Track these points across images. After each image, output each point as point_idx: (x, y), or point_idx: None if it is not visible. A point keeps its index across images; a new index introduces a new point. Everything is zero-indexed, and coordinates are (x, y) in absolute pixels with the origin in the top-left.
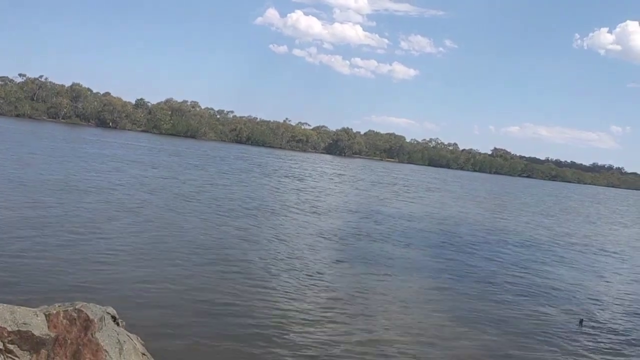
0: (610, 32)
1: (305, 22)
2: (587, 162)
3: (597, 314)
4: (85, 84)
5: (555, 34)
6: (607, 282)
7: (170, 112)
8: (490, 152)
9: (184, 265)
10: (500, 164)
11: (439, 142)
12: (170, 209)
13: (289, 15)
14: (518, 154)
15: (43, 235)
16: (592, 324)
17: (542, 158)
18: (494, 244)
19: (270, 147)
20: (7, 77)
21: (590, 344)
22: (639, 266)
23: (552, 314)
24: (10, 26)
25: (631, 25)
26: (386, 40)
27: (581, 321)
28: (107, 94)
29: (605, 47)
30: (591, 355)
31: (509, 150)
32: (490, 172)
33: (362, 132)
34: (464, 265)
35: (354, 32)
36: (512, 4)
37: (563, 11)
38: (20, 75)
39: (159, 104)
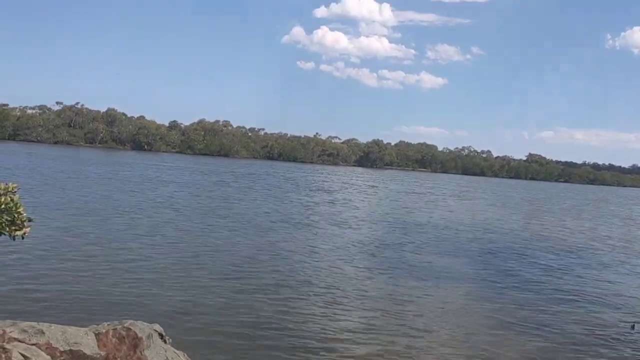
0: None
1: (331, 37)
2: (626, 164)
3: None
4: (119, 108)
5: (586, 35)
6: None
7: (203, 133)
8: (525, 158)
9: (226, 281)
10: (536, 169)
11: (472, 149)
12: (207, 227)
13: (314, 32)
14: (554, 159)
15: (87, 257)
16: None
17: (579, 162)
18: (535, 250)
19: (301, 162)
20: (45, 105)
21: None
22: None
23: (602, 319)
24: (45, 55)
25: None
26: (413, 51)
27: (633, 326)
28: (141, 117)
29: (638, 45)
30: None
31: (544, 156)
32: (526, 179)
33: (392, 144)
34: (505, 271)
35: (380, 45)
36: (538, 7)
37: (592, 11)
38: (57, 103)
39: (192, 125)
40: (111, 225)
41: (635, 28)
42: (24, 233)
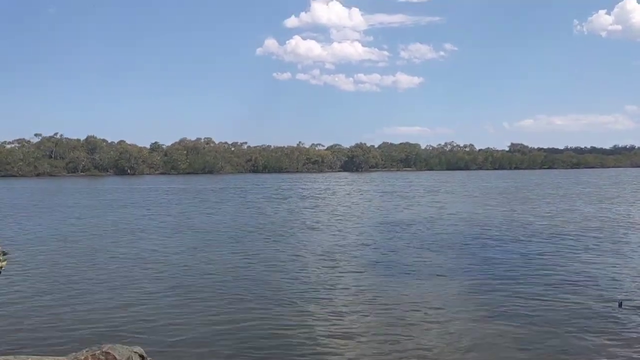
0: (608, 13)
1: (304, 46)
2: (607, 146)
3: (636, 292)
4: (99, 135)
5: (554, 23)
6: None
7: (185, 152)
8: (507, 149)
9: (214, 298)
10: (519, 158)
11: (455, 145)
12: (193, 246)
13: (287, 42)
14: (536, 147)
15: (68, 284)
16: (633, 303)
17: (562, 147)
18: (519, 237)
19: (287, 172)
20: (23, 138)
21: (633, 323)
22: None
23: (589, 301)
24: (20, 86)
25: (629, 3)
26: (386, 53)
27: (620, 303)
28: (121, 142)
29: (605, 28)
30: (636, 333)
31: (526, 144)
32: (510, 168)
33: (376, 146)
34: (488, 262)
35: (353, 49)
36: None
37: None
38: (35, 135)
39: (173, 145)
40: (90, 251)
41: (601, 12)
42: (0, 267)
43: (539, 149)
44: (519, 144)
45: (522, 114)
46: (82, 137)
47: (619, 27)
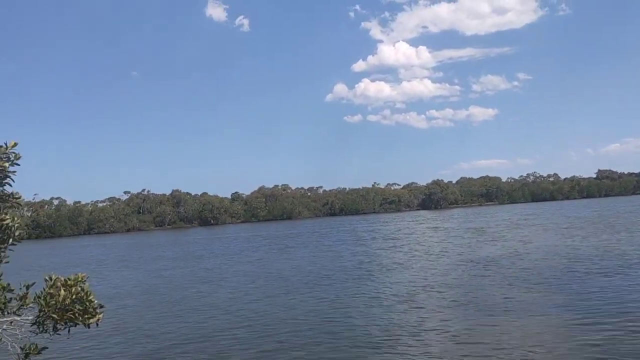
0: None
1: (373, 88)
2: None
3: None
4: (183, 189)
5: (631, 42)
6: None
7: (264, 199)
8: (595, 175)
9: (302, 345)
10: (608, 185)
11: (538, 175)
12: (272, 294)
13: (356, 85)
14: (626, 172)
15: (155, 335)
16: None
17: None
18: (613, 269)
19: (363, 213)
20: (114, 197)
21: None
22: None
23: None
24: (109, 149)
25: None
26: (457, 87)
27: None
28: (204, 194)
29: None
30: None
31: (614, 170)
32: (599, 196)
33: (454, 181)
34: (582, 296)
35: (423, 87)
36: (573, 24)
37: (632, 18)
38: (125, 192)
39: (252, 193)
40: (173, 303)
41: None
42: (97, 320)
43: (630, 174)
44: (607, 170)
45: (607, 139)
46: (168, 192)
47: None
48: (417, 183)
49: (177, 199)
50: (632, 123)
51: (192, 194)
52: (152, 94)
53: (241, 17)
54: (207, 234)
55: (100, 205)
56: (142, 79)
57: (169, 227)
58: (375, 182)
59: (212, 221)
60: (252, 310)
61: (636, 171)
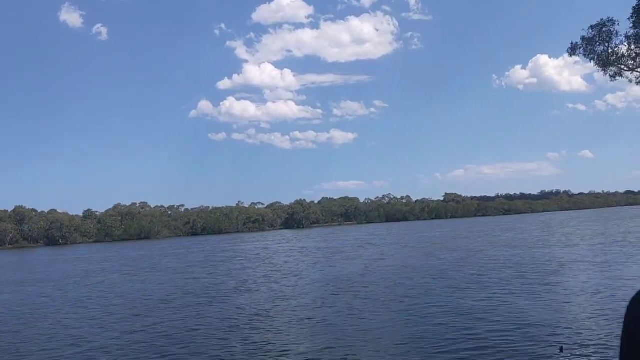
0: (524, 68)
1: (238, 106)
2: (535, 192)
3: (575, 337)
4: (28, 204)
5: (474, 78)
6: (579, 304)
7: (120, 218)
8: (442, 198)
9: None
10: (454, 208)
11: (392, 197)
12: (119, 318)
13: (221, 103)
14: (469, 195)
15: None
16: (573, 347)
17: (493, 195)
18: (455, 286)
19: (227, 233)
20: None
21: None
22: (601, 279)
23: (529, 347)
24: None
25: (541, 58)
26: (320, 111)
27: (561, 348)
28: (52, 211)
29: (522, 82)
30: None
31: (459, 194)
32: (446, 218)
33: (316, 201)
34: (423, 313)
35: (287, 108)
36: (426, 56)
37: (477, 55)
38: None
39: (107, 211)
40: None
41: (517, 67)
42: None
43: (472, 198)
44: (453, 194)
45: (452, 165)
46: (10, 208)
47: (535, 80)
48: (281, 202)
49: (20, 215)
50: (473, 151)
51: (39, 211)
52: None
53: (99, 25)
54: (52, 255)
55: None
56: None
57: (9, 246)
58: (239, 201)
59: (60, 241)
60: (79, 337)
61: (478, 195)
